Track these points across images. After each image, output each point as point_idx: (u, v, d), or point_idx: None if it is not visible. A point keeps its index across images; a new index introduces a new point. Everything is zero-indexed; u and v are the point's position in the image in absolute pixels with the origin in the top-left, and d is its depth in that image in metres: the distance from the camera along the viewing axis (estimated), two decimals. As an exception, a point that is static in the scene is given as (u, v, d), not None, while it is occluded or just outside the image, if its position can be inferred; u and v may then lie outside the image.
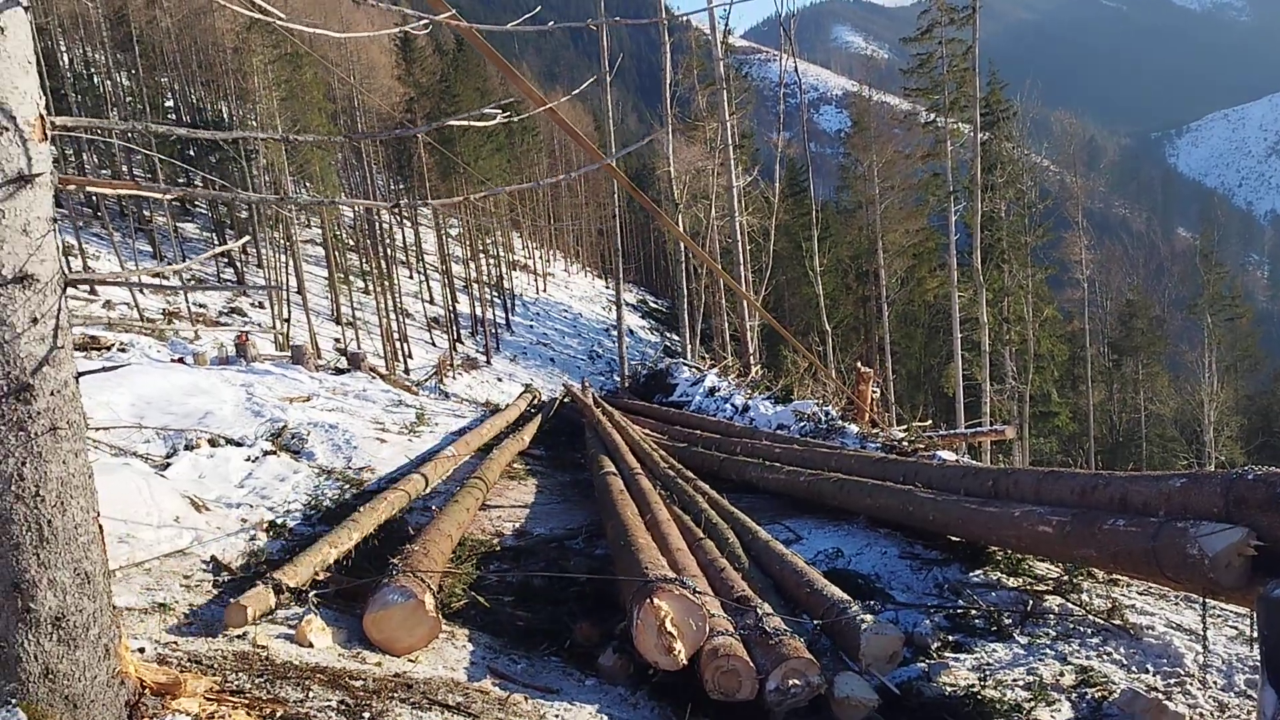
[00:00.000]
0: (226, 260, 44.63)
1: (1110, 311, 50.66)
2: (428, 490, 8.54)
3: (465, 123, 3.22)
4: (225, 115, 44.97)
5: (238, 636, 4.23)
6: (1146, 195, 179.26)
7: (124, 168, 44.12)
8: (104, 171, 44.94)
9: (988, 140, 34.53)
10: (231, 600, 4.43)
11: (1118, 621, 5.32)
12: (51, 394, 2.51)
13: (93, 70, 46.39)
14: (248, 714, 3.01)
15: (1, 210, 2.35)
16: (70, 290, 2.61)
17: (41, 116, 2.47)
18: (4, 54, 2.33)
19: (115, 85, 45.67)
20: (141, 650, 3.50)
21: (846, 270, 47.97)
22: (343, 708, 3.35)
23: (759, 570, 6.05)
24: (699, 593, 4.83)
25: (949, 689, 4.73)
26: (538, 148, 68.94)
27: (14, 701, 2.49)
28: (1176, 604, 5.76)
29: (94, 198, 40.81)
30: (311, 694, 3.45)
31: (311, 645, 4.31)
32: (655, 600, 4.54)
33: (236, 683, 3.37)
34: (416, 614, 4.54)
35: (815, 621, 5.11)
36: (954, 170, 32.82)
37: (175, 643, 3.88)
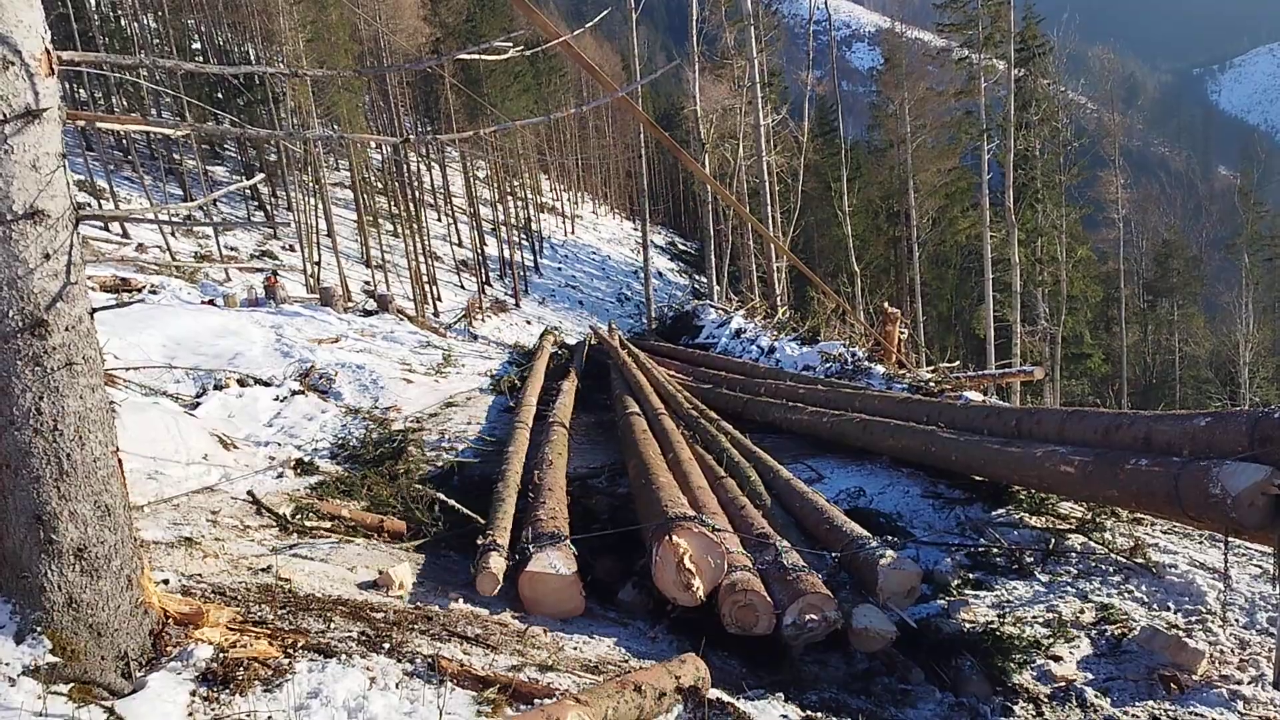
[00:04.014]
0: (257, 204, 44.69)
1: (1146, 252, 49.72)
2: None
3: (476, 57, 3.18)
4: (251, 56, 44.68)
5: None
6: (1186, 133, 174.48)
7: (153, 110, 44.11)
8: (133, 114, 44.91)
9: (1023, 77, 33.75)
10: (484, 568, 4.71)
11: (1140, 560, 5.31)
12: (66, 329, 2.53)
13: (119, 13, 46.21)
14: (269, 644, 3.07)
15: (10, 145, 2.35)
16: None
17: (48, 51, 2.45)
18: (7, -14, 2.31)
19: (143, 28, 45.49)
20: (165, 582, 3.57)
21: (877, 211, 47.31)
22: (363, 638, 3.41)
23: (780, 508, 6.08)
24: (718, 530, 4.86)
25: (968, 625, 4.76)
26: (564, 88, 68.08)
27: (39, 629, 2.56)
28: (1200, 543, 5.73)
29: (124, 140, 40.91)
30: (333, 625, 3.52)
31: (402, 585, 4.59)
32: (674, 538, 4.58)
33: (259, 614, 3.43)
34: (572, 588, 4.70)
35: (834, 557, 5.14)
36: (988, 108, 32.10)
37: (200, 575, 3.96)
